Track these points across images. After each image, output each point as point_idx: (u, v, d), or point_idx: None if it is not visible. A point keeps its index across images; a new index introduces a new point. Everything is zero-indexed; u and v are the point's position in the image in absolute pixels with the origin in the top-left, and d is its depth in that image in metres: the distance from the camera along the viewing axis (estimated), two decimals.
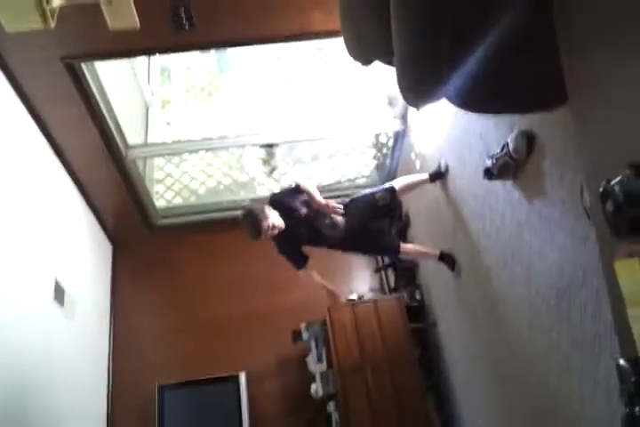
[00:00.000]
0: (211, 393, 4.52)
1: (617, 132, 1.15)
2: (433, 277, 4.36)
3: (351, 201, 3.66)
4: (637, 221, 1.06)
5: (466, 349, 3.75)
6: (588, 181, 1.24)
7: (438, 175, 3.70)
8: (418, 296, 4.62)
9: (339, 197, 4.06)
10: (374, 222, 3.62)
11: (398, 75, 1.66)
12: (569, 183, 2.16)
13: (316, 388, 4.24)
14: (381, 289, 5.08)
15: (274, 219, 3.29)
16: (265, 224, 3.24)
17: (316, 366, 4.29)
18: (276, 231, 3.30)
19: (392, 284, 4.95)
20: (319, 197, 3.49)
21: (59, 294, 3.80)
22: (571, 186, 2.14)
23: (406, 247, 3.82)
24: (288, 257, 3.57)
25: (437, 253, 3.76)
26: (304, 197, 3.51)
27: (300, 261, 3.56)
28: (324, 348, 4.30)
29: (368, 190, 3.77)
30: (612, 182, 1.10)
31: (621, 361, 1.15)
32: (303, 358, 4.47)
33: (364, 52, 2.06)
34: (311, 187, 3.51)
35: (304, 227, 3.48)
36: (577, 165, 2.02)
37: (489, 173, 2.72)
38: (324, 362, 4.25)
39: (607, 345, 1.99)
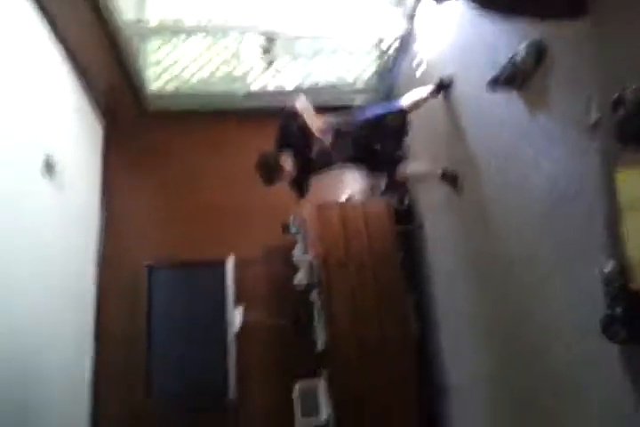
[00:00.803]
0: (198, 275, 4.74)
1: (636, 43, 1.18)
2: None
3: (360, 122, 3.62)
4: None
5: (451, 251, 3.93)
6: (602, 90, 1.30)
7: (443, 87, 3.68)
8: (407, 200, 4.75)
9: (336, 109, 3.92)
10: (383, 144, 3.67)
11: None
12: (574, 98, 2.22)
13: (301, 277, 4.46)
14: (371, 191, 5.18)
15: (287, 170, 3.43)
16: (280, 177, 3.43)
17: (301, 256, 4.50)
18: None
19: (382, 187, 5.04)
20: (316, 124, 3.41)
21: (49, 167, 3.79)
22: (576, 100, 2.20)
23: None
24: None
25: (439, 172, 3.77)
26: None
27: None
28: None
29: (377, 109, 3.72)
30: (627, 90, 1.17)
31: (606, 266, 1.28)
32: (291, 249, 4.66)
33: None
34: (307, 111, 3.44)
35: (314, 158, 3.55)
36: (590, 76, 2.07)
37: (494, 82, 2.75)
38: (310, 254, 4.46)
39: (592, 256, 2.10)
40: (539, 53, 2.46)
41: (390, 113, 3.65)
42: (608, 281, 1.25)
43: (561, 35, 2.30)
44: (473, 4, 1.90)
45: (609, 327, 1.30)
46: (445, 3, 1.95)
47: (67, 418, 3.96)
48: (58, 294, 3.90)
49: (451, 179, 3.67)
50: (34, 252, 3.53)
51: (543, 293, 2.56)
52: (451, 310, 4.06)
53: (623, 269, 1.20)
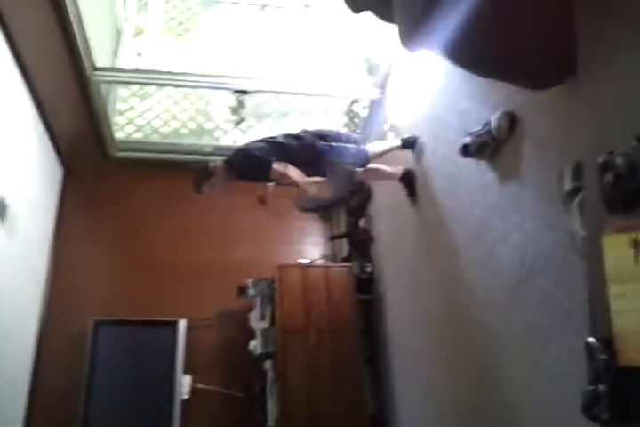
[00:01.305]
0: (147, 336, 4.46)
1: (623, 104, 1.11)
2: (387, 250, 4.35)
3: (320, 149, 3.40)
4: (634, 194, 1.04)
5: (413, 325, 3.74)
6: (584, 156, 1.22)
7: (409, 143, 3.61)
8: (369, 269, 4.60)
9: None
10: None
11: (400, 4, 1.61)
12: (546, 167, 2.14)
13: (255, 345, 4.22)
14: (333, 258, 5.06)
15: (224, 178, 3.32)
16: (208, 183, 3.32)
17: (257, 323, 4.26)
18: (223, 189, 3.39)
19: (345, 254, 4.92)
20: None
21: (1, 209, 3.59)
22: (548, 170, 2.12)
23: (366, 168, 3.61)
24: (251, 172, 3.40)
25: (399, 173, 3.68)
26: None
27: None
28: (268, 306, 4.27)
29: (344, 150, 3.46)
30: (615, 154, 1.07)
31: (591, 339, 1.14)
32: (245, 313, 4.43)
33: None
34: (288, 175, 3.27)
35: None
36: (565, 144, 2.00)
37: (465, 150, 2.67)
38: (267, 320, 4.22)
39: (560, 330, 2.00)
40: (512, 121, 2.39)
41: (348, 162, 3.45)
42: (591, 356, 1.10)
43: (535, 100, 2.24)
44: (452, 62, 1.80)
45: (591, 406, 1.14)
46: (416, 49, 1.85)
47: None
48: None
49: (408, 181, 3.64)
50: None
51: (513, 368, 2.39)
52: (410, 387, 3.83)
53: (609, 343, 1.06)
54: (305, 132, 3.50)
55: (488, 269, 2.56)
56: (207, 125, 5.46)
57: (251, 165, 3.28)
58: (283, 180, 3.31)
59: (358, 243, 4.70)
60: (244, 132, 5.39)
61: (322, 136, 3.43)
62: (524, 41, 1.58)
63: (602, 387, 1.14)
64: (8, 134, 3.75)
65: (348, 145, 3.45)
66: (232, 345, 4.50)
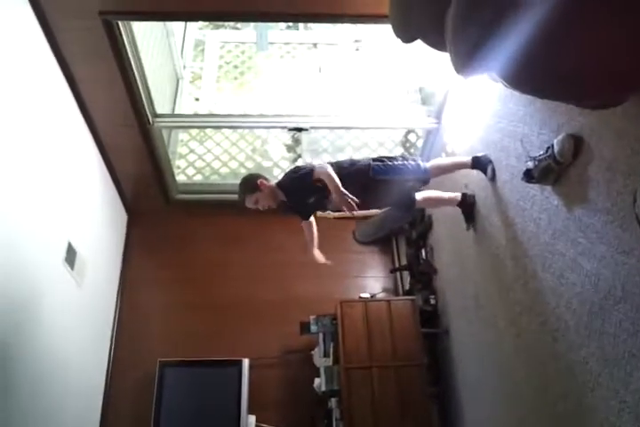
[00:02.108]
0: (212, 375, 4.43)
1: None
2: (450, 282, 4.24)
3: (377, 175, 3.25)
4: None
5: (479, 360, 3.61)
6: None
7: (481, 163, 3.30)
8: (432, 301, 4.49)
9: None
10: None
11: (453, 31, 1.58)
12: (616, 190, 2.04)
13: (320, 382, 4.14)
14: (395, 291, 4.96)
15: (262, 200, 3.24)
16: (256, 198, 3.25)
17: (321, 360, 4.19)
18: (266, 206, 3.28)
19: (407, 286, 4.83)
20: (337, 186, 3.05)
21: (70, 255, 3.73)
22: (618, 193, 2.02)
23: (423, 196, 3.50)
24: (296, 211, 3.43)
25: (458, 197, 3.52)
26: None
27: (308, 213, 3.43)
28: (331, 342, 4.20)
29: (396, 163, 3.31)
30: None
31: None
32: (308, 350, 4.38)
33: (408, 27, 1.99)
34: (328, 174, 3.07)
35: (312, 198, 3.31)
36: (635, 164, 1.90)
37: (529, 176, 2.58)
38: (331, 357, 4.15)
39: None
40: (576, 144, 2.31)
41: (407, 179, 3.33)
42: None
43: (598, 121, 2.16)
44: (510, 86, 1.75)
45: None
46: (471, 75, 1.82)
47: None
48: (70, 389, 3.75)
49: (468, 207, 3.50)
50: (52, 348, 3.47)
51: (584, 408, 2.24)
52: (477, 423, 3.66)
53: None
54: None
55: (560, 297, 2.45)
56: (265, 164, 5.55)
57: (294, 178, 3.21)
58: (327, 184, 3.05)
59: (420, 274, 4.61)
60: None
61: (375, 158, 3.35)
62: (586, 59, 1.53)
63: None
64: (74, 181, 3.93)
65: (405, 162, 3.32)
66: (296, 383, 4.43)
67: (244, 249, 5.03)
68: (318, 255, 3.52)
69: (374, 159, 3.32)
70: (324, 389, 4.09)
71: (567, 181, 2.42)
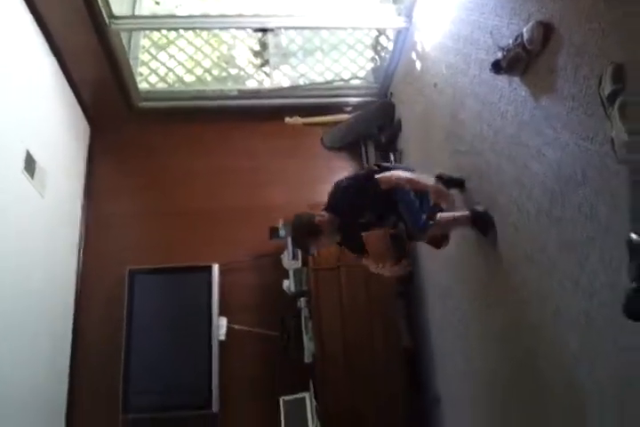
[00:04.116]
0: (182, 281, 4.47)
1: None
2: None
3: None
4: None
5: (444, 255, 3.64)
6: (626, 55, 1.12)
7: (483, 222, 2.88)
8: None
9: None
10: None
11: None
12: (584, 75, 2.00)
13: (289, 284, 4.23)
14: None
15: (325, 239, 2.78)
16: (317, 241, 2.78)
17: (290, 262, 4.25)
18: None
19: None
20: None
21: (29, 164, 3.61)
22: (585, 78, 1.98)
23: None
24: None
25: (469, 216, 2.96)
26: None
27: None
28: None
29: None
30: None
31: (633, 236, 1.08)
32: (278, 254, 4.42)
33: None
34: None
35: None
36: (604, 47, 1.85)
37: (497, 66, 2.53)
38: (299, 260, 4.21)
39: (597, 247, 1.92)
40: (546, 31, 2.24)
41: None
42: (633, 253, 1.04)
43: (569, 7, 2.09)
44: None
45: (633, 303, 1.08)
46: None
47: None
48: (37, 300, 3.73)
49: (483, 224, 2.88)
50: (17, 255, 3.42)
51: (541, 290, 2.32)
52: (445, 318, 3.81)
53: None
54: None
55: (522, 188, 2.46)
56: (231, 71, 5.36)
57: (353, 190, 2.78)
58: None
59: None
60: (268, 75, 5.28)
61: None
62: None
63: None
64: (27, 87, 3.73)
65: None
66: (266, 286, 4.51)
67: (211, 156, 4.95)
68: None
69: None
70: (293, 290, 4.18)
71: (536, 71, 2.36)
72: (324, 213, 2.79)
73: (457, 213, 2.98)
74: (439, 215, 2.78)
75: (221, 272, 4.43)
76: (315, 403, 3.90)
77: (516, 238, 2.57)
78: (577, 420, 2.15)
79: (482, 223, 2.88)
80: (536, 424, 2.50)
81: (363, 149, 5.01)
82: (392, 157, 4.62)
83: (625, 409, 1.83)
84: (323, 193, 4.67)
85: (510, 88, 2.58)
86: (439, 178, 3.07)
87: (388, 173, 2.74)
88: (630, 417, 1.80)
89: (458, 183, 3.15)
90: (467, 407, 3.43)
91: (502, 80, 2.63)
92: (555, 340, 2.26)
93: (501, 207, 2.70)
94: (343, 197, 2.80)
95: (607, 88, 1.76)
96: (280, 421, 3.93)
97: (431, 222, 2.72)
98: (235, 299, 4.48)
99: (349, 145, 5.01)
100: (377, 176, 2.73)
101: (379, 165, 2.95)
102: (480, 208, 2.92)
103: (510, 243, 2.64)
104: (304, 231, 2.77)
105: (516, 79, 2.51)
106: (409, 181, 2.72)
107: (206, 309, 4.31)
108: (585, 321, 2.01)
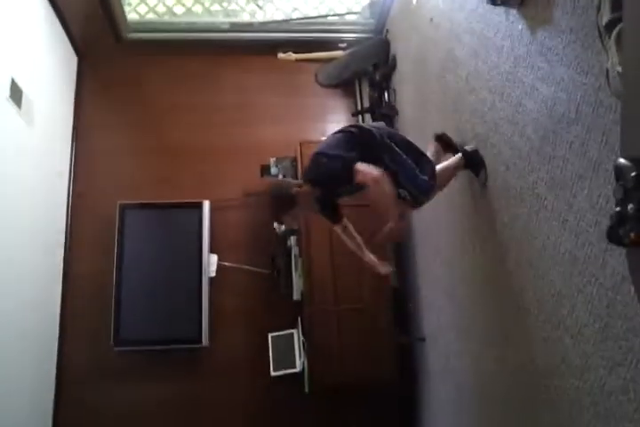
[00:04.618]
0: (173, 217, 4.47)
1: None
2: (411, 125, 4.19)
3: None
4: None
5: (435, 207, 3.54)
6: None
7: (474, 163, 2.83)
8: None
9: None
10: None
11: None
12: (582, 7, 1.92)
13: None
14: None
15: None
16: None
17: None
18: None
19: None
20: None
21: (15, 93, 3.52)
22: (584, 10, 1.90)
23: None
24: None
25: (462, 161, 2.88)
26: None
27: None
28: None
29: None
30: None
31: (621, 160, 1.05)
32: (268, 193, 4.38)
33: None
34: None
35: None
36: None
37: None
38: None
39: (586, 185, 1.89)
40: None
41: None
42: (620, 176, 1.00)
43: None
44: None
45: (617, 228, 1.05)
46: None
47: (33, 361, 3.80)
48: (27, 234, 3.72)
49: (476, 164, 2.82)
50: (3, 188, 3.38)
51: (530, 229, 2.31)
52: (431, 259, 3.83)
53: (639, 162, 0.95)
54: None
55: (515, 126, 2.42)
56: (224, 3, 5.17)
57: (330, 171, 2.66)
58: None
59: (382, 117, 4.51)
60: (261, 8, 5.10)
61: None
62: None
63: (630, 206, 1.06)
64: (14, 14, 3.60)
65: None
66: (256, 224, 4.51)
67: (202, 91, 4.85)
68: (376, 263, 3.03)
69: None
70: (283, 228, 4.18)
71: (533, 2, 2.27)
72: (301, 182, 2.83)
73: (451, 162, 2.89)
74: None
75: (212, 210, 4.42)
76: (302, 339, 3.98)
77: (506, 177, 2.54)
78: (557, 349, 2.19)
79: (472, 163, 2.83)
80: (520, 357, 2.54)
81: (357, 86, 4.91)
82: (386, 96, 4.52)
83: (600, 344, 1.86)
84: (315, 132, 4.70)
85: (507, 22, 2.49)
86: (438, 138, 3.04)
87: (369, 174, 2.54)
88: (605, 351, 1.83)
89: (455, 150, 2.98)
90: (453, 344, 3.49)
91: (499, 14, 2.54)
92: (539, 279, 2.27)
93: (493, 146, 2.66)
94: (320, 177, 2.71)
95: (605, 16, 1.69)
96: (268, 356, 4.02)
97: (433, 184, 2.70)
98: (225, 236, 4.50)
99: (344, 82, 4.90)
100: (356, 167, 2.57)
101: (360, 127, 2.83)
102: (469, 148, 2.87)
103: (501, 182, 2.61)
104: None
105: (514, 12, 2.42)
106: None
107: (197, 245, 4.33)
108: (569, 260, 2.01)
